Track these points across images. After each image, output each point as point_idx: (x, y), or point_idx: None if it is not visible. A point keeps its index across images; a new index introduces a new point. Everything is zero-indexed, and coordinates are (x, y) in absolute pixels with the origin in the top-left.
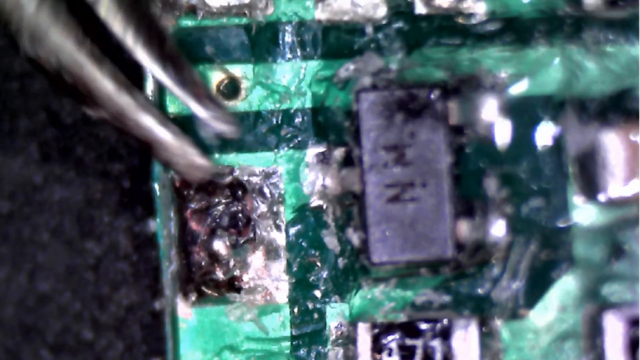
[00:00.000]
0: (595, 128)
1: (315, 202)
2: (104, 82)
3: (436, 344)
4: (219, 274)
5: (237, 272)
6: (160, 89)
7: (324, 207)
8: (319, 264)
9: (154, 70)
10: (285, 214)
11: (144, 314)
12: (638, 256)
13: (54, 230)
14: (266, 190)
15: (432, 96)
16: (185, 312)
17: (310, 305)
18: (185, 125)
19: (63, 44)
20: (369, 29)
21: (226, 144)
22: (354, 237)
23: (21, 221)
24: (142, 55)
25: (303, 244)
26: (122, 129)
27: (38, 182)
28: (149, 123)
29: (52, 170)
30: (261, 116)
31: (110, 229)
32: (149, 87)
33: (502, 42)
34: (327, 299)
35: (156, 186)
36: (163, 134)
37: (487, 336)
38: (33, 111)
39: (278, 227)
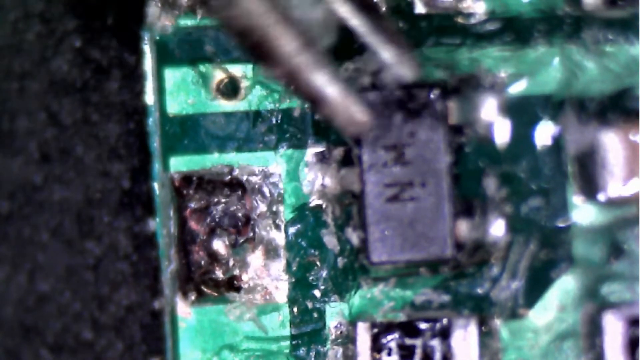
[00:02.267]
0: (594, 127)
1: (314, 201)
2: (288, 41)
3: (435, 343)
4: (219, 274)
5: (236, 272)
6: (160, 89)
7: (324, 206)
8: (318, 263)
9: (349, 17)
10: (285, 213)
11: (143, 314)
12: (637, 256)
13: (54, 230)
14: (265, 190)
15: (432, 96)
16: (185, 311)
17: (309, 305)
18: (185, 124)
19: (255, 9)
20: None
21: (225, 143)
22: (354, 237)
23: (21, 221)
24: (338, 4)
25: (302, 243)
26: (294, 86)
27: (38, 182)
28: (320, 81)
29: (52, 170)
30: (261, 115)
31: (110, 229)
32: (149, 87)
33: (502, 41)
34: (326, 299)
35: (155, 185)
36: (331, 91)
37: (486, 336)
38: (33, 111)
39: (277, 227)
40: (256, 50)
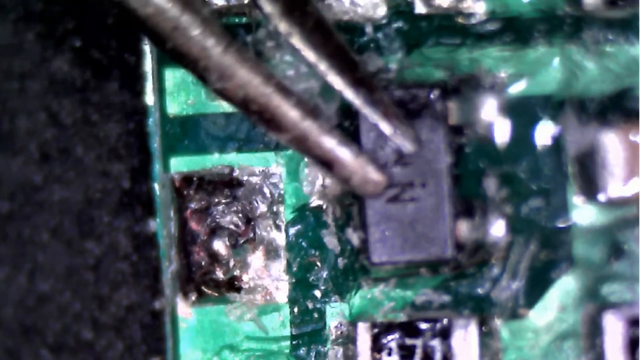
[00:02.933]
0: (594, 128)
1: (315, 202)
2: (290, 111)
3: (436, 343)
4: (219, 274)
5: (237, 272)
6: (160, 89)
7: (324, 207)
8: (318, 263)
9: (346, 93)
10: (285, 213)
11: (144, 314)
12: (638, 256)
13: (54, 230)
14: (266, 190)
15: (432, 96)
16: (185, 311)
17: (310, 305)
18: (185, 124)
19: (251, 81)
20: (369, 29)
21: (225, 144)
22: (354, 237)
23: (21, 221)
24: (335, 80)
25: (303, 243)
26: (305, 150)
27: (38, 182)
28: (331, 144)
29: (52, 170)
30: None
31: (110, 229)
32: (149, 87)
33: (502, 41)
34: (327, 299)
35: (156, 186)
36: (343, 153)
37: (486, 336)
38: (33, 111)
39: (278, 227)
40: (259, 118)
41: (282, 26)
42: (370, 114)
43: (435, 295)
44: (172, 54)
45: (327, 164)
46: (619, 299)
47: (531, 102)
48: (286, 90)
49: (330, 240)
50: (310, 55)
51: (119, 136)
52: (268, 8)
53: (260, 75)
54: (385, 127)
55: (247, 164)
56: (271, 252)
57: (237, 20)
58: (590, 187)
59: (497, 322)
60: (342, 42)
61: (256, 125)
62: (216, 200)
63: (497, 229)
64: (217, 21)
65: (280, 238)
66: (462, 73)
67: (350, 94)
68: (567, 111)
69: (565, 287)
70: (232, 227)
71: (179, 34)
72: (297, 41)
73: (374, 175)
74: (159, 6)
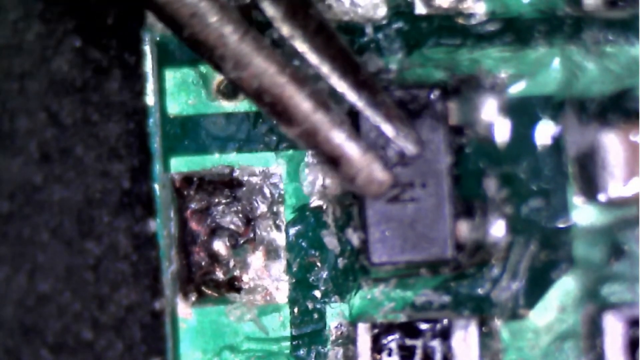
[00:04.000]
0: (595, 128)
1: (315, 202)
2: (303, 102)
3: (436, 344)
4: (219, 274)
5: (237, 272)
6: (161, 89)
7: (324, 207)
8: (318, 264)
9: (348, 95)
10: (285, 214)
11: (144, 314)
12: (638, 256)
13: (54, 230)
14: (266, 190)
15: (432, 96)
16: (185, 312)
17: (310, 305)
18: (185, 125)
19: (266, 69)
20: (369, 29)
21: (225, 144)
22: (354, 238)
23: (21, 221)
24: (337, 83)
25: (303, 244)
26: (313, 144)
27: (38, 182)
28: (340, 139)
29: (52, 170)
30: (261, 116)
31: (110, 229)
32: (150, 88)
33: (502, 42)
34: (327, 299)
35: (156, 186)
36: (351, 149)
37: (486, 336)
38: (33, 111)
39: (278, 227)
40: (271, 110)
41: (285, 29)
42: (372, 116)
43: (435, 295)
44: (189, 41)
45: (334, 160)
46: (619, 300)
47: (531, 103)
48: (300, 81)
49: (331, 241)
50: (312, 58)
51: (119, 136)
52: (270, 11)
53: (276, 64)
54: (388, 130)
55: (247, 164)
56: (271, 253)
57: None
58: (591, 188)
59: (497, 323)
60: (344, 45)
61: (268, 118)
62: (216, 200)
63: (497, 229)
64: (234, 9)
65: (280, 238)
66: (463, 73)
67: (352, 96)
68: (567, 111)
69: (566, 287)
70: (232, 227)
71: (197, 21)
72: (299, 44)
73: (380, 173)
74: None
